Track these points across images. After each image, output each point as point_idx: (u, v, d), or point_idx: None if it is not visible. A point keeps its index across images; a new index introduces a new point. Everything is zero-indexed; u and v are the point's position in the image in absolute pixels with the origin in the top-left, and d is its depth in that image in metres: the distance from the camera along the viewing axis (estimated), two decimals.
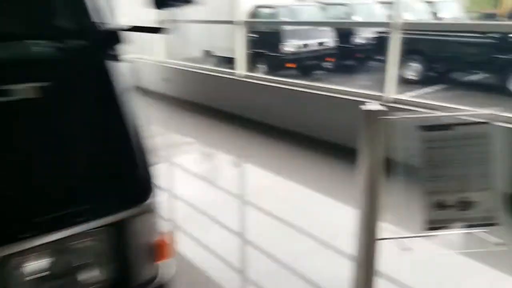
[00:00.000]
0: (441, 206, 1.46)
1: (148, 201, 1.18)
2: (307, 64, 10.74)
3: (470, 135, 1.46)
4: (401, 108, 3.98)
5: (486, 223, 1.46)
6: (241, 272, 2.68)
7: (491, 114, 1.48)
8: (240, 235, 3.09)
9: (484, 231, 1.48)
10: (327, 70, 11.31)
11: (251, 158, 4.81)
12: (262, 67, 10.85)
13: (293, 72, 10.89)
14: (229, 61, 9.54)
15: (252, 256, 2.83)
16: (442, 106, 3.77)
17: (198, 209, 3.51)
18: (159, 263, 1.27)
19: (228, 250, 2.86)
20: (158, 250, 1.23)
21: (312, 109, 4.95)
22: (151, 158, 1.29)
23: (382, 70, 4.33)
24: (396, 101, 4.11)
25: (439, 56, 8.89)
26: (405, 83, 9.13)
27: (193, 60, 12.57)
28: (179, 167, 4.65)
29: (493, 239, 1.47)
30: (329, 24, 11.16)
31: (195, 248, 2.90)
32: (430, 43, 8.83)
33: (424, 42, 8.88)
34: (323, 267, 2.58)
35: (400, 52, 4.06)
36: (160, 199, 1.24)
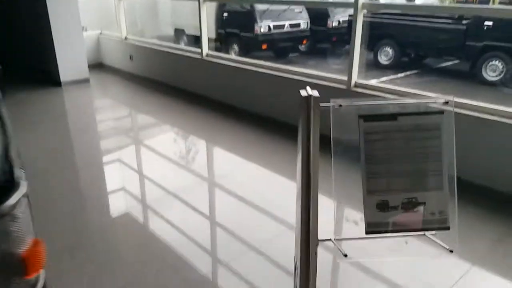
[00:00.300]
0: (383, 207, 1.26)
1: (5, 204, 0.93)
2: (281, 46, 10.58)
3: (418, 126, 1.26)
4: (363, 93, 3.80)
5: (435, 226, 1.27)
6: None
7: (446, 102, 1.27)
8: (204, 214, 3.15)
9: (433, 235, 1.29)
10: (302, 52, 11.18)
11: (214, 140, 4.67)
12: (234, 48, 10.59)
13: (267, 53, 10.70)
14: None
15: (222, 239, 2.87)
16: (406, 92, 3.60)
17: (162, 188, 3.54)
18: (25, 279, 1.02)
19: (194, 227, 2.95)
20: (23, 264, 0.98)
21: (276, 92, 4.72)
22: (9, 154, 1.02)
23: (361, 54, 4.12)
24: (359, 85, 3.91)
25: (412, 41, 8.80)
26: (378, 68, 9.05)
27: (164, 38, 12.18)
28: (144, 148, 4.56)
29: (443, 243, 1.29)
30: (294, 3, 10.89)
31: (165, 227, 2.97)
32: (403, 28, 8.73)
33: (397, 28, 8.78)
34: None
35: (364, 36, 3.85)
36: (23, 200, 0.99)
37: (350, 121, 1.29)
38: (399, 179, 1.26)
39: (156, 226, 3.00)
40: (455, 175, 1.25)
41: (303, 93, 1.31)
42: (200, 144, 4.69)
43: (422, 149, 1.26)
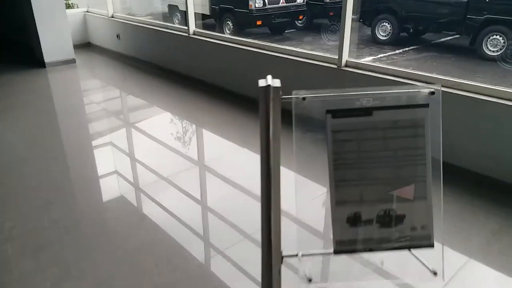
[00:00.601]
0: (355, 221, 1.05)
1: None
2: (277, 22, 10.25)
3: (398, 122, 1.03)
4: (355, 73, 3.55)
5: (416, 244, 1.07)
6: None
7: (432, 92, 1.05)
8: (195, 199, 3.04)
9: (415, 253, 1.09)
10: (298, 28, 10.87)
11: (202, 122, 4.53)
12: (228, 24, 10.27)
13: (262, 30, 10.39)
14: (197, 17, 8.89)
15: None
16: (400, 71, 3.34)
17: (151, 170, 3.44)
18: None
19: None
20: None
21: (265, 72, 4.45)
22: None
23: (354, 30, 3.86)
24: (350, 65, 3.66)
25: (411, 16, 8.44)
26: (376, 44, 8.74)
27: (158, 15, 11.78)
28: (132, 130, 4.41)
29: (426, 263, 1.08)
30: None
31: (157, 210, 2.87)
32: (402, 2, 8.36)
33: (396, 1, 8.42)
34: None
35: (356, 11, 3.57)
36: None
37: (317, 117, 1.07)
38: (375, 187, 1.05)
39: (148, 209, 2.89)
40: (442, 181, 1.04)
41: (261, 82, 1.09)
42: (188, 127, 4.48)
43: (403, 150, 1.04)
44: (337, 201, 1.05)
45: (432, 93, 1.03)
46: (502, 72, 6.93)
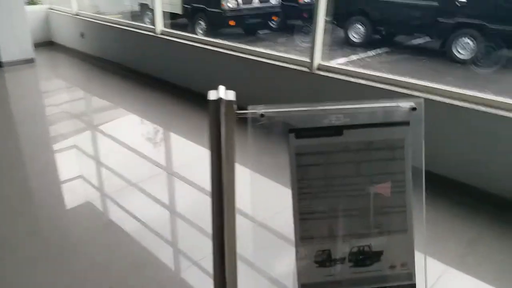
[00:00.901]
0: (324, 260, 0.89)
1: None
2: (250, 22, 10.12)
3: (373, 144, 0.87)
4: (327, 77, 3.42)
5: (395, 284, 0.91)
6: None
7: (413, 108, 0.89)
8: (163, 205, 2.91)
9: None
10: (272, 29, 10.77)
11: (169, 125, 4.32)
12: (201, 24, 10.04)
13: (235, 30, 10.21)
14: (169, 17, 8.60)
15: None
16: (375, 76, 3.22)
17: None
18: None
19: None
20: None
21: (236, 74, 4.28)
22: None
23: (327, 31, 3.71)
24: (323, 68, 3.52)
25: (383, 18, 8.44)
26: (349, 45, 8.70)
27: (128, 15, 11.42)
28: (98, 133, 4.18)
29: None
30: None
31: (124, 216, 2.72)
32: (374, 4, 8.35)
33: (369, 3, 8.41)
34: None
35: (329, 13, 3.43)
36: None
37: (279, 136, 0.90)
38: (346, 220, 0.88)
39: (116, 215, 2.74)
40: (424, 210, 0.89)
41: (211, 94, 0.91)
42: (156, 130, 4.26)
43: (379, 176, 0.88)
44: (303, 236, 0.88)
45: (413, 108, 0.87)
46: (472, 75, 6.99)
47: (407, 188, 0.88)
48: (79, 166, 3.42)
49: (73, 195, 2.97)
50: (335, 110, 0.86)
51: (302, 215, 0.87)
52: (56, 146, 3.83)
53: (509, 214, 2.64)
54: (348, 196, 0.88)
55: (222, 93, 0.90)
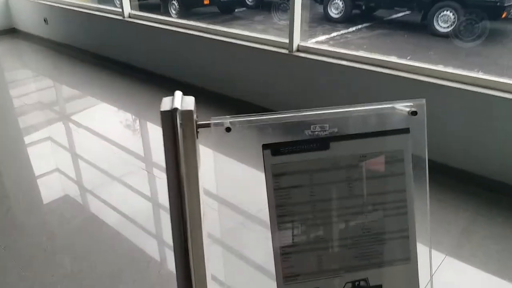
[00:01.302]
0: None
1: None
2: (226, 0, 9.79)
3: (366, 157, 0.70)
4: (307, 58, 3.23)
5: None
6: None
7: (413, 112, 0.72)
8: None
9: None
10: (249, 7, 10.46)
11: (143, 114, 4.08)
12: (174, 3, 9.67)
13: (210, 9, 9.88)
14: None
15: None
16: (359, 56, 3.04)
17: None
18: None
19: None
20: None
21: (210, 58, 4.05)
22: None
23: (306, 8, 3.47)
24: (302, 49, 3.33)
25: None
26: (329, 22, 8.48)
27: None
28: (72, 124, 3.92)
29: None
30: None
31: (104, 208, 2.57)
32: None
33: None
34: None
35: None
36: None
37: (252, 151, 0.72)
38: (338, 251, 0.72)
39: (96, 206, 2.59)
40: (430, 235, 0.73)
41: (165, 103, 0.72)
42: (129, 119, 4.03)
43: (374, 196, 0.72)
44: (286, 276, 0.72)
45: (414, 112, 0.70)
46: (454, 48, 6.88)
47: (409, 209, 0.72)
48: (54, 159, 3.20)
49: (49, 189, 2.78)
50: (319, 118, 0.69)
51: (284, 249, 0.71)
52: (27, 139, 3.58)
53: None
54: (339, 222, 0.71)
55: (178, 101, 0.71)
